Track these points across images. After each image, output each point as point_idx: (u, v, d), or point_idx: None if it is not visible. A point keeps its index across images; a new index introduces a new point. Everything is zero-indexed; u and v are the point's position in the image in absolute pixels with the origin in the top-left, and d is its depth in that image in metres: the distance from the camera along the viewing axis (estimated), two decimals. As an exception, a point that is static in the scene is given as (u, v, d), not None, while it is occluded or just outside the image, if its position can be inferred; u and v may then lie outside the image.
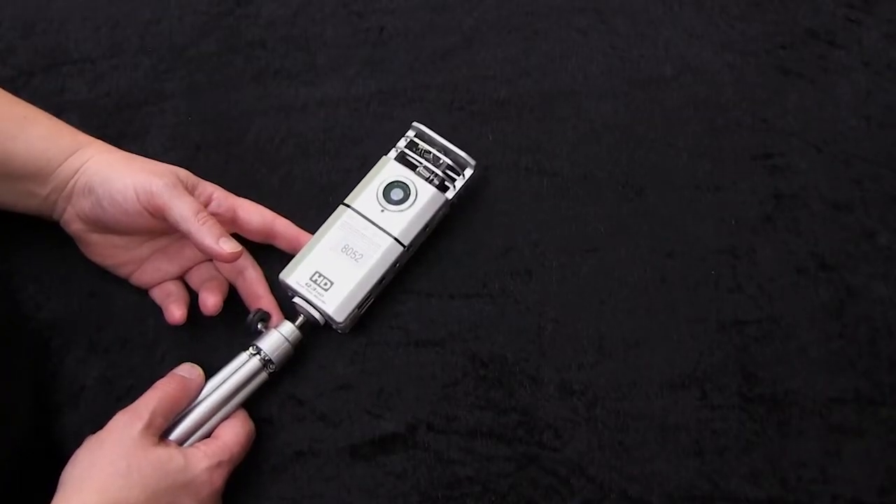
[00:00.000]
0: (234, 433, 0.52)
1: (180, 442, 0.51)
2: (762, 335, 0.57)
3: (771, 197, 0.61)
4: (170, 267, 0.57)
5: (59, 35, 0.67)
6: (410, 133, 0.59)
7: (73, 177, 0.53)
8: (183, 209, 0.51)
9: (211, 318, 0.55)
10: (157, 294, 0.57)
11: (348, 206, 0.57)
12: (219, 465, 0.50)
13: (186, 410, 0.51)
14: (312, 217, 0.58)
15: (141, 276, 0.57)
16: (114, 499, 0.45)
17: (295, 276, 0.55)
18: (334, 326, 0.55)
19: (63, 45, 0.67)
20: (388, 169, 0.58)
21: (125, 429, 0.48)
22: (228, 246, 0.51)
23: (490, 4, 0.69)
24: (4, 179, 0.52)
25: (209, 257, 0.57)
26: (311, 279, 0.54)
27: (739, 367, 0.56)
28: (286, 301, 0.56)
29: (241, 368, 0.53)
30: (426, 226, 0.57)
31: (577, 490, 0.53)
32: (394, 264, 0.56)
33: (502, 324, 0.57)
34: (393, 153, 0.59)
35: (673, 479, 0.53)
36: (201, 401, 0.52)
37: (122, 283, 0.57)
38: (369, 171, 0.58)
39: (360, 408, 0.55)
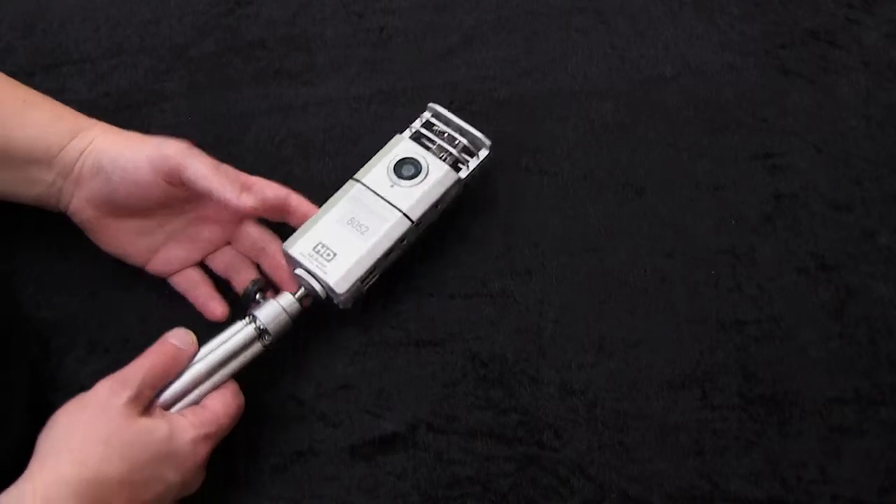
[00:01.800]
0: (223, 403, 0.50)
1: (166, 407, 0.49)
2: (762, 335, 0.57)
3: (771, 197, 0.61)
4: (188, 252, 0.55)
5: (59, 35, 0.67)
6: (427, 114, 0.59)
7: (78, 159, 0.51)
8: (199, 167, 0.50)
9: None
10: (180, 283, 0.56)
11: (358, 180, 0.55)
12: (205, 436, 0.48)
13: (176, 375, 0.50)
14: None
15: (158, 264, 0.55)
16: (93, 471, 0.44)
17: (298, 246, 0.53)
18: (335, 300, 0.54)
19: (63, 45, 0.67)
20: (400, 146, 0.57)
21: (110, 398, 0.46)
22: (250, 199, 0.49)
23: (490, 4, 0.69)
24: (6, 165, 0.51)
25: (228, 216, 0.55)
26: (314, 250, 0.53)
27: (739, 367, 0.56)
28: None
29: (234, 336, 0.51)
30: (437, 203, 0.56)
31: (577, 490, 0.53)
32: (401, 240, 0.54)
33: (502, 324, 0.57)
34: (407, 132, 0.58)
35: (673, 479, 0.53)
36: (191, 366, 0.50)
37: (123, 283, 0.57)
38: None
39: (360, 408, 0.55)
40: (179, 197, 0.52)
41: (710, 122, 0.64)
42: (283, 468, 0.54)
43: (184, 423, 0.48)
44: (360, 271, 0.53)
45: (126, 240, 0.54)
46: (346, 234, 0.53)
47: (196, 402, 0.50)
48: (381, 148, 0.57)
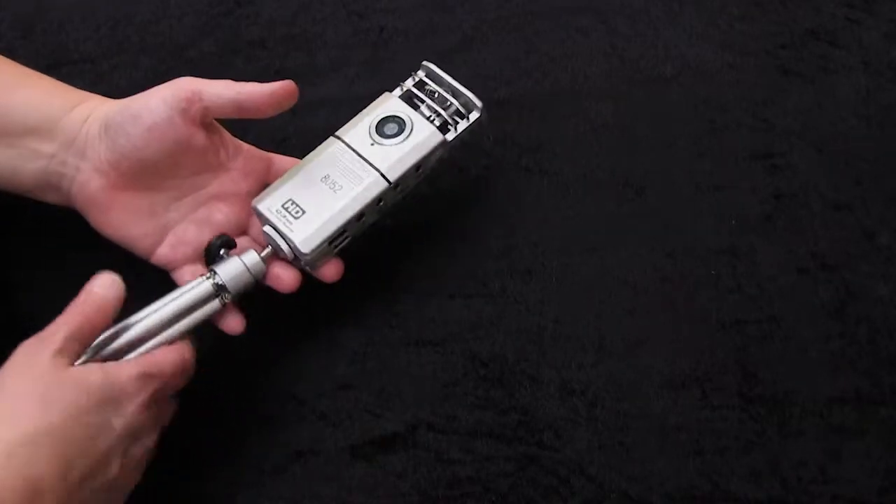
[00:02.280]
0: (166, 352, 0.47)
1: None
2: (762, 335, 0.57)
3: (771, 197, 0.61)
4: (200, 235, 0.52)
5: (59, 35, 0.67)
6: (420, 72, 0.56)
7: (82, 126, 0.49)
8: (218, 84, 0.48)
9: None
10: (186, 278, 0.52)
11: (338, 137, 0.53)
12: (146, 375, 0.44)
13: (121, 328, 0.47)
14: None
15: (166, 250, 0.52)
16: (30, 429, 0.40)
17: (267, 202, 0.51)
18: (302, 261, 0.51)
19: (63, 45, 0.67)
20: (387, 104, 0.54)
21: (33, 356, 0.43)
22: (283, 84, 0.49)
23: (490, 4, 0.69)
24: (3, 134, 0.48)
25: (243, 191, 0.53)
26: (283, 206, 0.50)
27: (739, 367, 0.56)
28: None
29: (190, 291, 0.49)
30: (418, 166, 0.53)
31: (577, 490, 0.53)
32: (376, 201, 0.51)
33: (502, 324, 0.57)
34: (398, 91, 0.56)
35: (673, 479, 0.53)
36: (140, 320, 0.47)
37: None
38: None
39: (360, 408, 0.55)
40: (196, 147, 0.50)
41: (710, 122, 0.64)
42: (283, 468, 0.54)
43: (121, 365, 0.44)
44: (327, 231, 0.50)
45: (134, 220, 0.51)
46: (319, 193, 0.51)
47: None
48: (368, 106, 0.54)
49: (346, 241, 0.53)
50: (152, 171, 0.50)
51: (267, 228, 0.51)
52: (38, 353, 0.43)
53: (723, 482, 0.53)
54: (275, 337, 0.57)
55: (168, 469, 0.51)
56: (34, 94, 0.50)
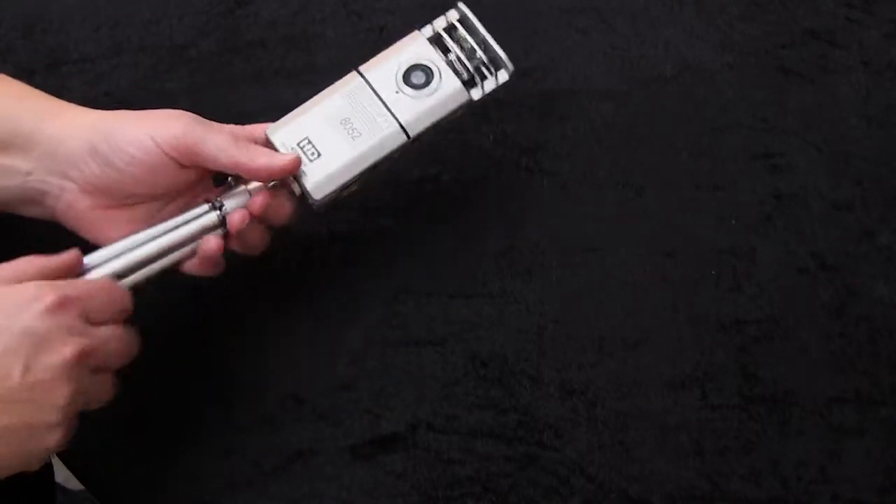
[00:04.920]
0: (97, 279, 0.43)
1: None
2: (762, 335, 0.57)
3: (771, 197, 0.61)
4: None
5: (59, 35, 0.67)
6: (453, 15, 0.52)
7: (59, 147, 0.45)
8: (219, 140, 0.45)
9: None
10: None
11: (361, 74, 0.51)
12: (48, 284, 0.41)
13: (113, 252, 0.45)
14: (313, 217, 0.58)
15: None
16: None
17: (282, 135, 0.49)
18: (309, 201, 0.50)
19: (63, 44, 0.67)
20: (416, 47, 0.51)
21: None
22: (287, 157, 0.46)
23: (490, 4, 0.69)
24: None
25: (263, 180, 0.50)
26: (297, 144, 0.49)
27: (739, 367, 0.56)
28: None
29: (193, 221, 0.47)
30: (440, 122, 0.51)
31: (577, 490, 0.53)
32: (392, 154, 0.50)
33: (502, 324, 0.57)
34: (428, 30, 0.52)
35: (673, 479, 0.53)
36: (137, 247, 0.46)
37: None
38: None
39: (360, 408, 0.55)
40: (191, 179, 0.48)
41: (710, 122, 0.64)
42: (283, 468, 0.54)
43: (18, 286, 0.40)
44: (342, 179, 0.49)
45: (129, 229, 0.48)
46: (335, 135, 0.49)
47: (136, 287, 0.46)
48: (396, 42, 0.52)
49: (356, 187, 0.51)
50: (144, 193, 0.48)
51: None
52: None
53: (723, 482, 0.53)
54: (275, 337, 0.57)
55: (168, 469, 0.51)
56: (6, 105, 0.47)
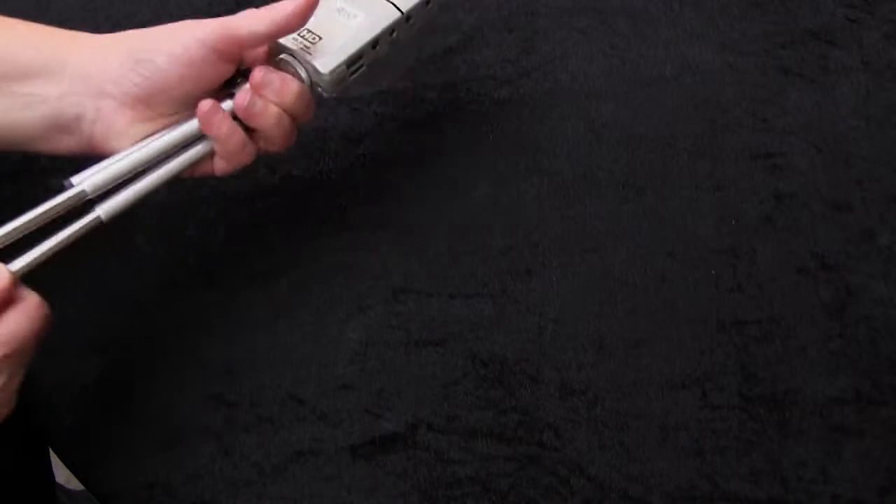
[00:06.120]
0: (17, 317, 0.40)
1: (92, 199, 0.44)
2: (762, 335, 0.57)
3: (771, 197, 0.61)
4: None
5: (59, 35, 0.67)
6: None
7: (94, 60, 0.46)
8: (246, 15, 0.46)
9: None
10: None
11: None
12: None
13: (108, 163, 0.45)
14: (313, 216, 0.58)
15: None
16: None
17: None
18: (320, 87, 0.51)
19: (63, 45, 0.67)
20: None
21: None
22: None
23: (490, 4, 0.69)
24: None
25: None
26: (297, 34, 0.51)
27: (739, 367, 0.56)
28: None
29: (183, 126, 0.47)
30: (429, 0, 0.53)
31: (577, 490, 0.53)
32: (389, 31, 0.52)
33: (502, 324, 0.57)
34: None
35: (673, 479, 0.53)
36: (125, 156, 0.46)
37: (122, 282, 0.57)
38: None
39: (360, 408, 0.55)
40: (225, 77, 0.48)
41: (710, 122, 0.64)
42: (283, 468, 0.54)
43: None
44: (346, 54, 0.50)
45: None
46: (334, 21, 0.51)
47: (133, 203, 0.45)
48: None
49: (362, 69, 0.52)
50: (182, 101, 0.48)
51: (284, 56, 0.51)
52: None
53: (723, 482, 0.53)
54: (274, 337, 0.57)
55: (168, 469, 0.51)
56: (29, 33, 0.47)
